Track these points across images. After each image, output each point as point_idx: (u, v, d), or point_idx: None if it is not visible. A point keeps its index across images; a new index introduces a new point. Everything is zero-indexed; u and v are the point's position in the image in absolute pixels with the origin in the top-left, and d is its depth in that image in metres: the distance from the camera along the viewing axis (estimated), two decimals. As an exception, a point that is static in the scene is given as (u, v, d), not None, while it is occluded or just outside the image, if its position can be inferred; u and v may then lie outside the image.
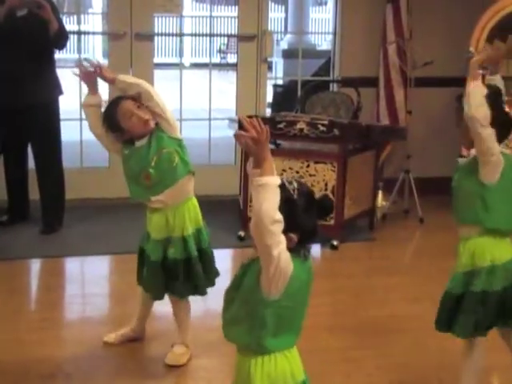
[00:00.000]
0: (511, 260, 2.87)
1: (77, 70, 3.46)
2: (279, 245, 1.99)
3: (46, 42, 4.99)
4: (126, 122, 3.24)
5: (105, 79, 3.35)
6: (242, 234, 5.07)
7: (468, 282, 2.84)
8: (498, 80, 3.03)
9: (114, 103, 3.31)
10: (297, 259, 2.08)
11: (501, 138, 2.88)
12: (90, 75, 3.38)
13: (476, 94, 2.82)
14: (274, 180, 1.99)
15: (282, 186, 2.03)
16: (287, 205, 2.02)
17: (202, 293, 3.39)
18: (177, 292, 3.37)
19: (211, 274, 3.40)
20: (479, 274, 2.82)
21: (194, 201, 3.41)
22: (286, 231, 2.01)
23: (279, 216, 1.97)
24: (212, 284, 3.41)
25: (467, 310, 2.82)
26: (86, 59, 3.28)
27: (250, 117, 2.17)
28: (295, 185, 2.11)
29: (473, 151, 2.94)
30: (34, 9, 4.86)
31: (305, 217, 2.10)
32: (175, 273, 3.30)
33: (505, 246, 2.89)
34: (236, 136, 2.11)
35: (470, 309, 2.82)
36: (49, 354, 3.47)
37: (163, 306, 3.59)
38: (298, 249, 2.09)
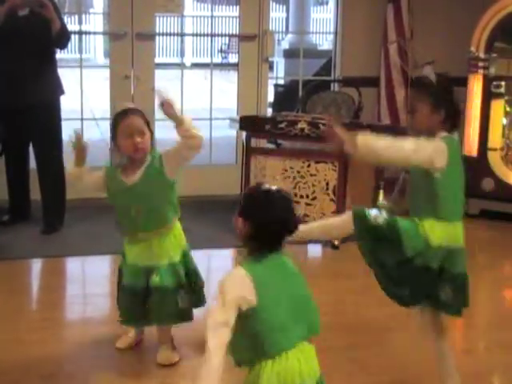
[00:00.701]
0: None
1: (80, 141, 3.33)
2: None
3: (47, 42, 5.00)
4: (121, 137, 3.17)
5: (172, 117, 3.10)
6: (242, 233, 5.06)
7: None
8: (429, 70, 3.01)
9: (123, 113, 3.20)
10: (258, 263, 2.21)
11: (452, 128, 2.89)
12: (83, 151, 3.30)
13: (391, 150, 2.79)
14: None
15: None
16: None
17: (189, 319, 3.37)
18: (158, 319, 3.33)
19: (200, 296, 3.40)
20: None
21: (177, 224, 3.37)
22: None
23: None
24: (202, 303, 3.40)
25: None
26: (158, 91, 3.16)
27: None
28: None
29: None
30: (36, 8, 4.86)
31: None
32: (154, 299, 3.25)
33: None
34: None
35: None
36: (49, 353, 3.47)
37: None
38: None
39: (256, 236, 2.24)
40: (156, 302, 3.26)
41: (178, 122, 3.09)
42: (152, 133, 3.24)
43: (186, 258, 3.36)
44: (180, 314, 3.32)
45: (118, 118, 3.20)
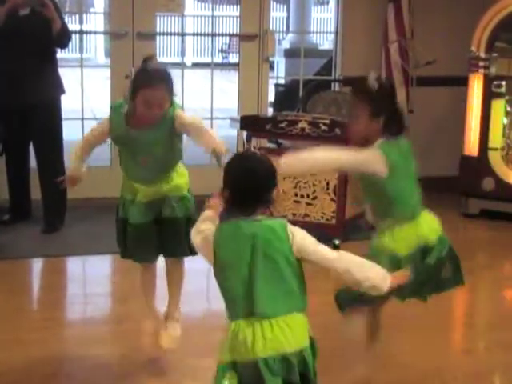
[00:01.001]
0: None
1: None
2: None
3: (48, 41, 5.00)
4: (139, 102, 3.04)
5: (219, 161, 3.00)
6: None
7: None
8: (373, 77, 2.96)
9: (150, 79, 3.03)
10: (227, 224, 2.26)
11: (397, 134, 2.88)
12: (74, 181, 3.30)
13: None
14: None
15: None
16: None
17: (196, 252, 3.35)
18: (179, 251, 3.28)
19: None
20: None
21: (180, 164, 3.31)
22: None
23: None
24: None
25: None
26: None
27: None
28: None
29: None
30: (37, 7, 4.87)
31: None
32: (174, 232, 3.23)
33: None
34: None
35: None
36: (50, 353, 3.47)
37: (165, 306, 3.60)
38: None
39: (230, 201, 2.30)
40: (169, 232, 3.23)
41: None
42: (172, 98, 3.11)
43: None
44: (190, 246, 3.30)
45: (141, 84, 3.03)
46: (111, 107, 3.24)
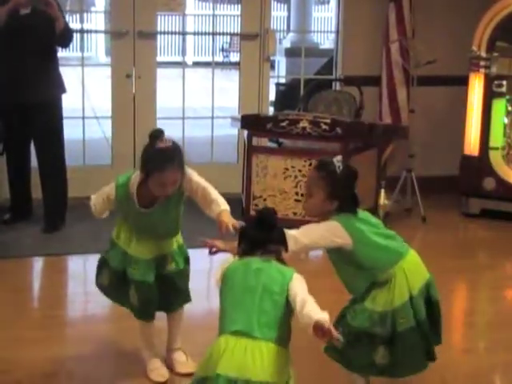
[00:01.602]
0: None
1: None
2: None
3: (49, 40, 5.00)
4: (153, 182, 3.02)
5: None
6: (244, 232, 5.05)
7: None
8: (339, 159, 2.86)
9: (165, 162, 2.99)
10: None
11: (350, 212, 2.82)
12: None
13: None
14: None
15: None
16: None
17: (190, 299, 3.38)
18: (180, 301, 3.34)
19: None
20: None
21: None
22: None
23: None
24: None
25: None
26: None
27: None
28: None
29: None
30: (41, 6, 4.87)
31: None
32: (174, 284, 3.27)
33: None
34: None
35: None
36: (51, 351, 3.48)
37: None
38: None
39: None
40: (175, 285, 3.27)
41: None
42: (184, 169, 3.08)
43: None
44: (188, 293, 3.35)
45: (154, 168, 3.00)
46: (116, 186, 3.19)
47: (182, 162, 3.05)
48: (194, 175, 3.15)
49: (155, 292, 3.22)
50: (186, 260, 3.35)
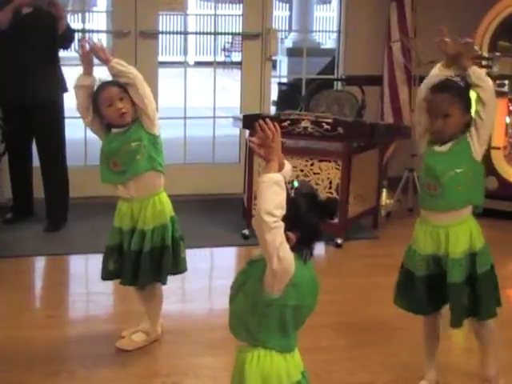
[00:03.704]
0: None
1: (84, 47, 3.48)
2: (280, 243, 2.01)
3: (51, 40, 5.00)
4: (104, 108, 3.32)
5: (99, 58, 3.37)
6: (246, 232, 5.06)
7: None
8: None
9: (101, 87, 3.36)
10: (299, 260, 2.10)
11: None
12: (88, 54, 3.42)
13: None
14: (274, 177, 2.06)
15: None
16: (286, 204, 2.04)
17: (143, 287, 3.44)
18: (140, 281, 3.42)
19: (165, 271, 3.41)
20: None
21: (163, 196, 3.43)
22: (285, 230, 2.03)
23: (276, 210, 1.99)
24: (165, 277, 3.41)
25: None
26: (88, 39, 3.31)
27: (264, 118, 2.20)
28: (295, 184, 2.14)
29: None
30: (45, 6, 4.88)
31: (305, 217, 2.11)
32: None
33: None
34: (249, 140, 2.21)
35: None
36: (53, 351, 3.48)
37: (167, 305, 3.60)
38: (299, 249, 2.11)
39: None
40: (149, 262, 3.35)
41: (106, 61, 3.35)
42: (131, 98, 3.31)
43: (164, 232, 3.39)
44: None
45: (98, 91, 3.35)
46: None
47: (122, 85, 3.32)
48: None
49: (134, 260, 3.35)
50: (141, 247, 3.37)
